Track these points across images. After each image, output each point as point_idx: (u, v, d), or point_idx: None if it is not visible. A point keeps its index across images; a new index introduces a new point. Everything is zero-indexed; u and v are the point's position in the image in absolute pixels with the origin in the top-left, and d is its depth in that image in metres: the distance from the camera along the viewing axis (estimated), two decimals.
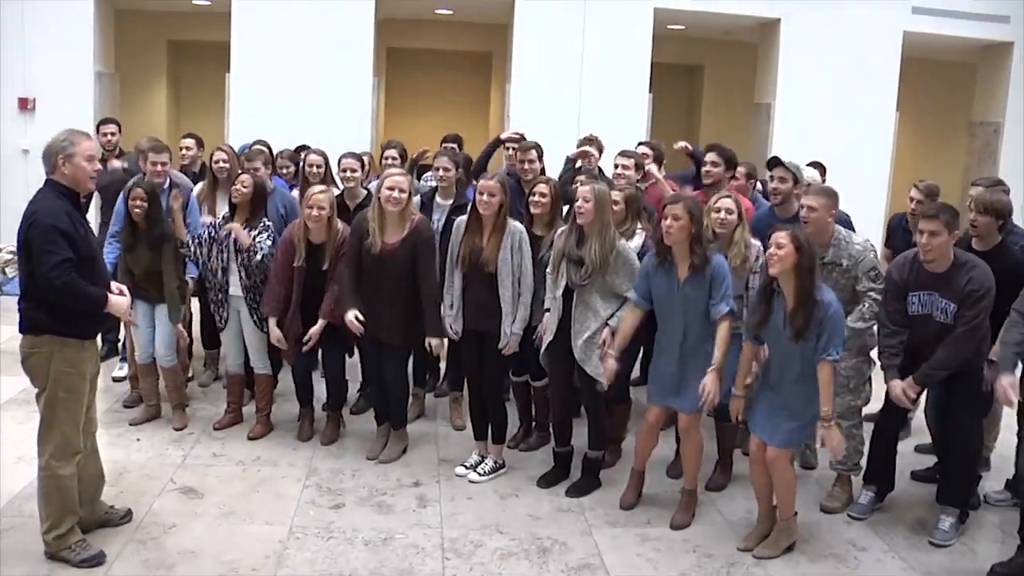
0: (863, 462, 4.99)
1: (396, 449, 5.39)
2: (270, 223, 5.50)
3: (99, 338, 4.39)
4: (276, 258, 5.31)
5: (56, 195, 3.87)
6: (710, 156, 5.85)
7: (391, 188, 4.95)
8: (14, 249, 9.07)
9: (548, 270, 4.88)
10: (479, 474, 5.11)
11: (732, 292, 4.48)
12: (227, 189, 5.77)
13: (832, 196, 4.81)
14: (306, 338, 5.26)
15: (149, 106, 12.17)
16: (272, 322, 5.29)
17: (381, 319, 5.10)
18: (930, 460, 5.42)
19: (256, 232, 5.39)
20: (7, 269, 9.31)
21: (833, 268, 4.76)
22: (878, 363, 4.74)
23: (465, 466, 5.19)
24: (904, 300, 4.60)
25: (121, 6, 10.23)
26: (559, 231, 4.91)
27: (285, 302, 5.30)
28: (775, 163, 5.43)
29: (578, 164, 5.96)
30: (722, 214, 4.78)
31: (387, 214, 5.02)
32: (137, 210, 5.43)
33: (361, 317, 5.07)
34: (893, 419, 4.88)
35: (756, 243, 4.84)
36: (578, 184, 4.99)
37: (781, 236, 4.13)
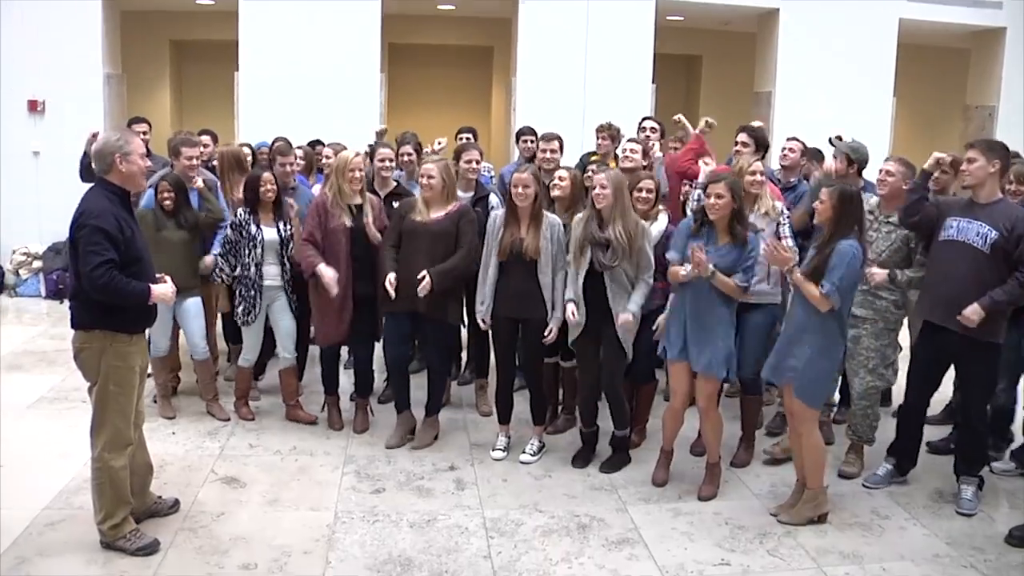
0: (875, 435, 5.23)
1: (429, 434, 5.53)
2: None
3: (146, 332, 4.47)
4: (307, 223, 5.48)
5: (106, 196, 3.95)
6: (741, 137, 6.04)
7: (422, 175, 5.31)
8: (27, 250, 9.25)
9: (569, 256, 5.03)
10: (530, 455, 5.29)
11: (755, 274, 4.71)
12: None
13: (911, 167, 5.04)
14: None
15: (154, 106, 12.23)
16: (322, 267, 5.31)
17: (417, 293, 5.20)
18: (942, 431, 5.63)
19: (289, 229, 5.63)
20: (20, 270, 9.41)
21: (894, 228, 4.99)
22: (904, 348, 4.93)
23: (500, 449, 5.35)
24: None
25: (125, 7, 10.30)
26: (577, 218, 5.07)
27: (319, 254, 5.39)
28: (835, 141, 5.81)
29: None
30: (712, 200, 4.87)
31: (427, 198, 5.28)
32: (167, 201, 5.56)
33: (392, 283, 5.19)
34: (920, 397, 5.00)
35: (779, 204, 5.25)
36: (591, 172, 5.16)
37: (825, 192, 4.48)
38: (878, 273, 4.88)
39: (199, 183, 5.79)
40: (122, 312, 3.99)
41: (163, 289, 4.07)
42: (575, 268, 4.98)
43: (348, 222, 5.38)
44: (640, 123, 6.80)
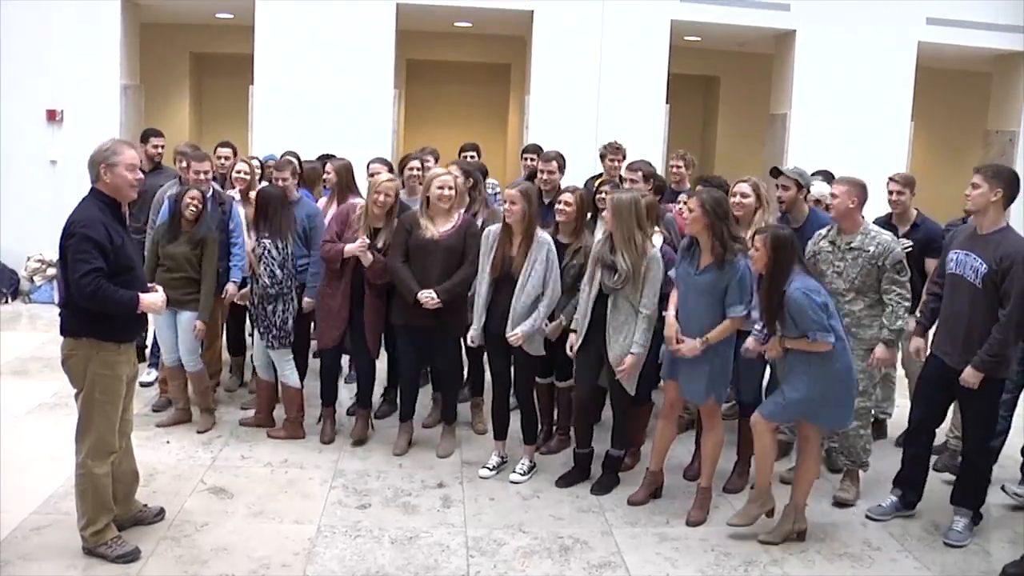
0: (870, 460, 5.16)
1: (451, 443, 5.63)
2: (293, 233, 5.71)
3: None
4: (328, 227, 5.59)
5: (97, 205, 3.99)
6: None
7: (441, 187, 5.27)
8: (42, 257, 9.36)
9: (585, 277, 4.98)
10: (520, 474, 5.25)
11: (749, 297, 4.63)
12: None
13: (856, 184, 4.96)
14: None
15: (173, 118, 12.38)
16: (349, 245, 5.36)
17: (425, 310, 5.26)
18: None
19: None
20: (35, 277, 9.52)
21: (859, 254, 4.90)
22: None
23: (488, 468, 5.32)
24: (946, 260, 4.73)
25: (145, 19, 10.44)
26: (598, 239, 5.03)
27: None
28: (776, 173, 5.55)
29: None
30: (737, 198, 5.05)
31: (437, 211, 5.28)
32: (193, 208, 5.60)
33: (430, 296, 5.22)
34: (924, 423, 4.92)
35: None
36: (606, 194, 5.16)
37: (758, 239, 4.43)
38: (881, 357, 4.86)
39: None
40: (110, 320, 4.00)
41: (152, 298, 4.07)
42: (588, 287, 4.94)
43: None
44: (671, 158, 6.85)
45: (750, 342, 4.63)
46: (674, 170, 7.08)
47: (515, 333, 5.03)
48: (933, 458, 5.18)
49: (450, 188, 5.28)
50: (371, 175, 6.09)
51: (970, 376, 4.48)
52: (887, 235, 4.95)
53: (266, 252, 5.57)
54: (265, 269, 5.57)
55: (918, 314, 5.02)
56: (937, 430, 5.03)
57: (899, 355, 5.32)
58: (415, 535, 4.53)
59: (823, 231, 5.11)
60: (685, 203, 4.68)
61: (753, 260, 4.43)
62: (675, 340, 4.68)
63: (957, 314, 4.59)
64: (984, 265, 4.45)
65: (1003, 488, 5.16)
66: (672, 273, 4.85)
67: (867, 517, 4.95)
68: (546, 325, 5.14)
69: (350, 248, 5.36)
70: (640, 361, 4.87)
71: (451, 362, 5.67)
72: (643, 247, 4.79)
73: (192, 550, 4.28)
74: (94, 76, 9.51)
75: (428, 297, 5.18)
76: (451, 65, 13.40)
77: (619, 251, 4.77)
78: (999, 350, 4.42)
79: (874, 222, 5.70)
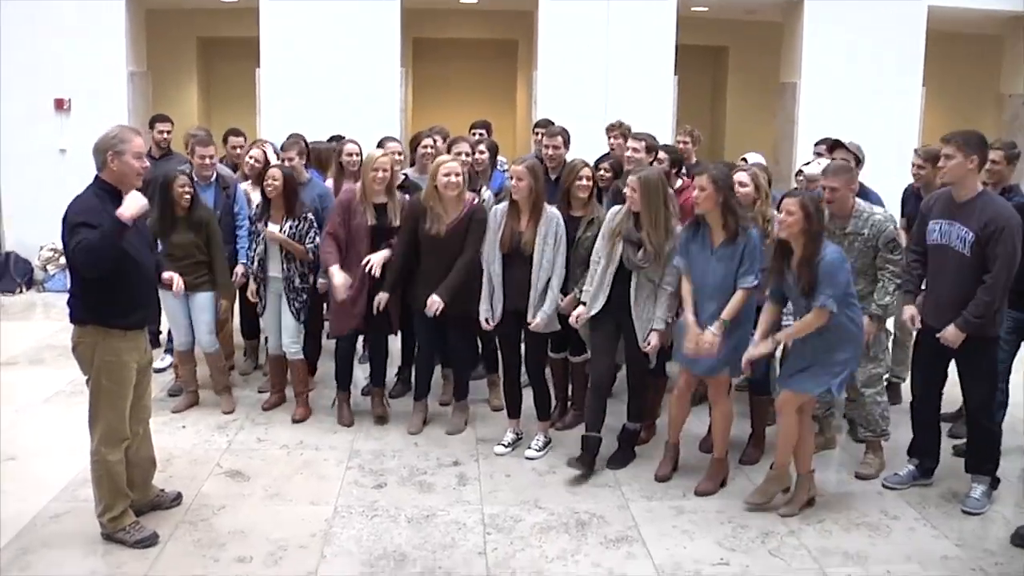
0: (891, 428, 5.11)
1: (461, 420, 5.66)
2: (311, 215, 5.66)
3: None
4: (331, 219, 5.52)
5: (96, 194, 3.95)
6: (631, 143, 5.83)
7: (447, 174, 5.21)
8: (55, 246, 9.39)
9: (599, 245, 4.95)
10: (535, 450, 5.26)
11: (760, 265, 4.61)
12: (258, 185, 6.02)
13: (848, 171, 4.91)
14: (368, 266, 5.39)
15: (181, 103, 12.34)
16: (334, 268, 5.37)
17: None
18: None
19: (299, 227, 5.59)
20: (48, 266, 9.56)
21: (855, 238, 4.87)
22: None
23: (503, 444, 5.32)
24: (926, 227, 4.69)
25: (151, 5, 10.40)
26: (615, 210, 4.99)
27: (339, 252, 5.44)
28: (837, 145, 5.52)
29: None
30: (736, 187, 4.93)
31: (445, 198, 5.23)
32: (187, 196, 5.58)
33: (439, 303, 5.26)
34: (928, 390, 4.90)
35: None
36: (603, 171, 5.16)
37: (791, 202, 4.32)
38: (868, 331, 4.80)
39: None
40: (112, 306, 3.99)
41: (129, 201, 3.83)
42: (605, 261, 4.90)
43: (371, 220, 5.43)
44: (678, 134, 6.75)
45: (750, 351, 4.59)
46: (681, 146, 7.02)
47: (535, 320, 5.04)
48: (948, 426, 5.16)
49: (457, 175, 5.23)
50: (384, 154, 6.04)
51: (951, 335, 4.49)
52: (878, 213, 4.89)
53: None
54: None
55: (905, 282, 4.90)
56: (949, 397, 4.99)
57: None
58: (432, 513, 4.54)
59: None
60: (694, 183, 4.60)
61: (787, 226, 4.32)
62: (696, 342, 4.64)
63: (945, 283, 4.59)
64: (971, 233, 4.44)
65: None
66: (678, 261, 4.78)
67: (884, 486, 4.93)
68: (561, 300, 5.12)
69: (335, 283, 5.36)
70: (664, 337, 4.89)
71: (463, 340, 5.68)
72: (666, 226, 4.79)
73: (210, 534, 4.30)
74: (101, 64, 9.47)
75: (435, 305, 5.21)
76: (458, 42, 13.31)
77: (645, 229, 4.76)
78: (984, 311, 4.42)
79: (904, 192, 5.71)
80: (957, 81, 12.83)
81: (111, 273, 3.89)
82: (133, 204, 3.82)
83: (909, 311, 4.83)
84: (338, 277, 5.35)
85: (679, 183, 5.68)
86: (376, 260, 5.38)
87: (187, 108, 12.48)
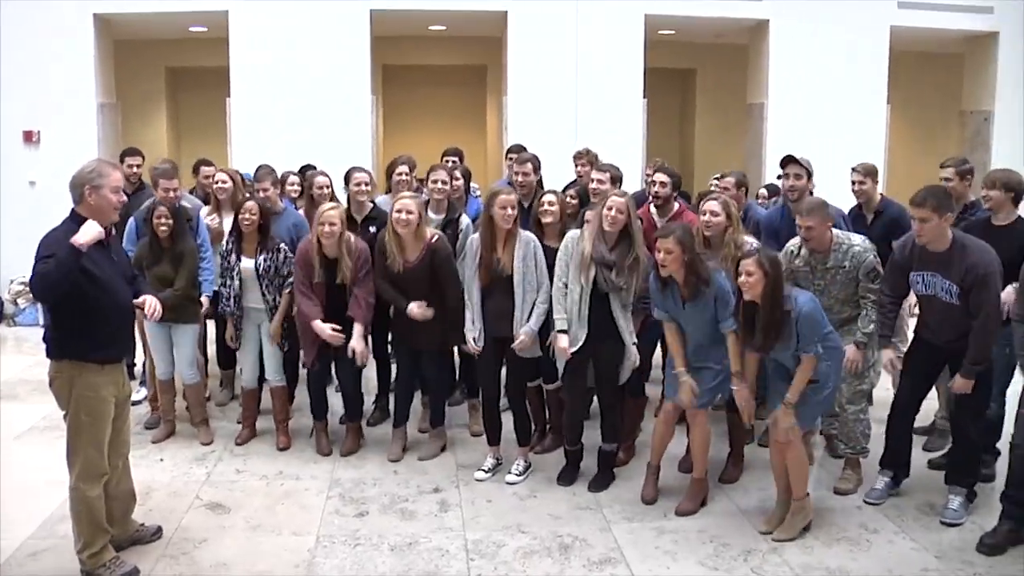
0: (870, 445, 5.15)
1: (436, 445, 5.66)
2: (283, 244, 5.64)
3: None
4: (296, 274, 5.48)
5: (70, 228, 3.87)
6: (658, 176, 5.68)
7: (399, 211, 5.21)
8: (24, 280, 9.28)
9: (571, 275, 4.95)
10: (515, 475, 5.28)
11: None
12: (229, 210, 6.05)
13: (824, 207, 4.93)
14: (352, 349, 5.38)
15: (150, 133, 12.31)
16: (317, 322, 5.38)
17: (413, 328, 5.36)
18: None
19: (274, 259, 5.61)
20: (19, 300, 9.46)
21: (837, 272, 4.94)
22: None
23: (484, 470, 5.33)
24: (904, 276, 4.77)
25: (119, 36, 10.37)
26: (575, 236, 5.02)
27: (318, 303, 5.44)
28: (788, 160, 5.59)
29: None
30: (707, 216, 5.00)
31: (402, 237, 5.25)
32: (163, 228, 5.55)
33: (421, 310, 5.32)
34: (911, 397, 4.98)
35: (751, 241, 5.01)
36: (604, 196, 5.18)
37: (749, 263, 4.35)
38: (854, 359, 4.92)
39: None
40: (88, 340, 3.96)
41: (84, 229, 3.79)
42: (580, 288, 4.93)
43: (317, 277, 5.39)
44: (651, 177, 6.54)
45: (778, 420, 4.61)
46: (658, 188, 6.56)
47: (520, 340, 5.07)
48: (922, 439, 5.22)
49: (409, 212, 5.20)
50: (356, 184, 6.04)
51: (961, 385, 4.61)
52: (857, 244, 4.94)
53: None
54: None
55: (879, 326, 4.95)
56: (925, 411, 5.08)
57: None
58: (414, 541, 4.53)
59: (793, 249, 5.06)
60: (658, 246, 4.63)
61: (748, 287, 4.35)
62: (690, 394, 4.79)
63: (938, 320, 4.73)
64: (954, 285, 4.55)
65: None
66: (658, 314, 4.89)
67: (865, 502, 4.98)
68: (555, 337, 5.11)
69: (325, 337, 5.40)
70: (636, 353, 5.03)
71: (438, 367, 5.69)
72: (644, 251, 4.92)
73: (191, 567, 4.26)
74: (70, 95, 9.42)
75: (420, 310, 5.26)
76: (427, 69, 13.35)
77: (620, 249, 4.85)
78: (983, 355, 4.55)
79: (848, 212, 5.77)
80: (921, 99, 13.07)
81: (88, 307, 3.87)
82: (88, 231, 3.79)
83: (887, 355, 4.95)
84: (325, 330, 5.38)
85: (676, 206, 5.68)
86: (417, 313, 5.33)
87: (156, 138, 12.44)
